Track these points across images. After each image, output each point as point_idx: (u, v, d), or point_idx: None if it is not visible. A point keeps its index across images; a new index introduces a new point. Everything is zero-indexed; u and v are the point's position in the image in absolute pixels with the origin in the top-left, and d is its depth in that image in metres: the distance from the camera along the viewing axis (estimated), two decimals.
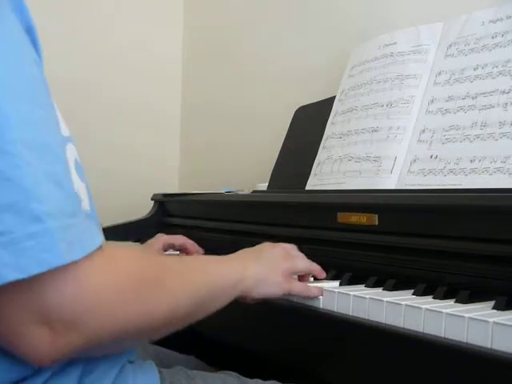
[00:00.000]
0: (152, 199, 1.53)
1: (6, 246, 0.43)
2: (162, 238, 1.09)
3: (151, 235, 1.16)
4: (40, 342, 0.46)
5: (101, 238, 0.50)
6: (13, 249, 0.43)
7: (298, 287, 0.77)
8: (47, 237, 0.44)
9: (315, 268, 0.82)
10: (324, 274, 0.83)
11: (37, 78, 0.51)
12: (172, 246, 1.11)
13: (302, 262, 0.80)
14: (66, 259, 0.45)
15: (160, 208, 1.50)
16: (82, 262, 0.46)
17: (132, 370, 0.62)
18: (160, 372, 0.65)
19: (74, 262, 0.45)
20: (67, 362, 0.56)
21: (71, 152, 0.58)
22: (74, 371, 0.56)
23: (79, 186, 0.58)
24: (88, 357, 0.55)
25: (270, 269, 0.73)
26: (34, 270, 0.43)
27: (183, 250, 1.11)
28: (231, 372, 0.75)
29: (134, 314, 0.51)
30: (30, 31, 0.53)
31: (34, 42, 0.54)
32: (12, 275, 0.43)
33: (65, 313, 0.46)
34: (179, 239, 1.11)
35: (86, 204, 0.59)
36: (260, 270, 0.72)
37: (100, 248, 0.49)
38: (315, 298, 0.78)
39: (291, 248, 0.81)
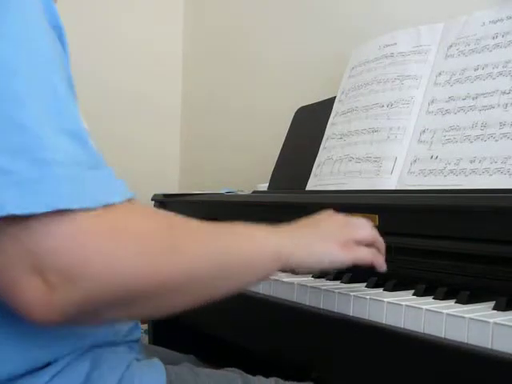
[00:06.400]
0: (152, 199, 1.53)
1: (14, 185, 0.43)
2: None
3: None
4: (33, 292, 0.44)
5: (123, 195, 0.49)
6: (20, 188, 0.43)
7: (362, 253, 0.67)
8: (53, 181, 0.44)
9: (379, 239, 0.72)
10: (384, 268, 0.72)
11: (57, 62, 0.52)
12: None
13: (364, 230, 0.70)
14: (67, 204, 0.44)
15: (160, 208, 1.50)
16: (87, 211, 0.45)
17: (139, 368, 0.63)
18: (166, 369, 0.66)
19: (78, 210, 0.44)
20: (75, 358, 0.57)
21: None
22: (82, 366, 0.58)
23: None
24: (90, 325, 0.52)
25: (323, 237, 0.65)
26: (34, 209, 0.43)
27: None
28: (234, 369, 0.75)
29: (137, 271, 0.46)
30: (56, 29, 0.54)
31: (60, 39, 0.55)
32: (12, 209, 0.43)
33: (59, 260, 0.43)
34: None
35: None
36: (310, 241, 0.64)
37: (117, 203, 0.47)
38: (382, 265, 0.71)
39: (352, 218, 0.72)
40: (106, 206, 0.46)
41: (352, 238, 0.68)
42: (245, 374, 0.74)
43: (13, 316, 0.48)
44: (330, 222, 0.69)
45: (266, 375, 0.75)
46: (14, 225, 0.43)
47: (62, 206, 0.43)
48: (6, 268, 0.44)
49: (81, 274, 0.44)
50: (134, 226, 0.48)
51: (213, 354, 1.01)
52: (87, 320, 0.49)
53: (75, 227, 0.44)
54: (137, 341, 0.70)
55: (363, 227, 0.71)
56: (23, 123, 0.45)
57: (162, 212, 0.52)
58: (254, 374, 0.75)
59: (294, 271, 0.64)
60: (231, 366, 0.76)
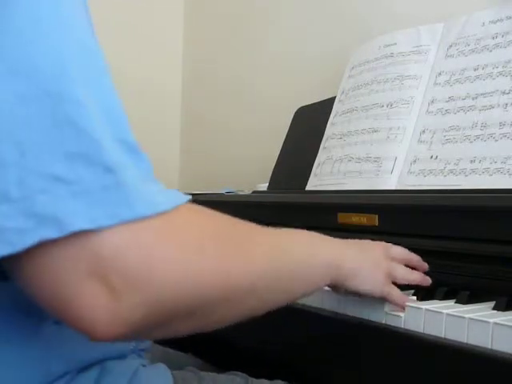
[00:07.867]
0: None
1: (76, 196, 0.38)
2: None
3: None
4: (96, 301, 0.39)
5: (182, 198, 0.45)
6: (85, 199, 0.39)
7: (396, 295, 0.67)
8: (121, 189, 0.40)
9: (414, 278, 0.71)
10: (429, 281, 0.72)
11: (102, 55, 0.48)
12: None
13: (405, 273, 0.70)
14: (139, 213, 0.40)
15: None
16: (151, 216, 0.41)
17: (145, 374, 0.62)
18: (172, 375, 0.66)
19: (145, 217, 0.40)
20: (85, 365, 0.57)
21: None
22: (90, 374, 0.57)
23: None
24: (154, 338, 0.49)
25: (373, 264, 0.65)
26: (105, 222, 0.38)
27: None
28: (238, 372, 0.75)
29: (203, 273, 0.43)
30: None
31: None
32: (81, 224, 0.38)
33: (123, 263, 0.39)
34: None
35: None
36: (362, 262, 0.64)
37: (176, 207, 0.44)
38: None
39: (389, 246, 0.72)
40: (169, 211, 0.43)
41: (393, 274, 0.68)
42: (250, 379, 0.74)
43: (31, 335, 0.48)
44: (375, 249, 0.68)
45: (272, 376, 0.75)
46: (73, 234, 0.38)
47: (132, 216, 0.40)
48: (61, 280, 0.39)
49: (146, 278, 0.40)
50: (199, 227, 0.46)
51: (210, 352, 1.01)
52: (151, 332, 0.46)
53: (141, 232, 0.40)
54: (145, 349, 0.70)
55: (404, 270, 0.70)
56: (84, 127, 0.40)
57: (220, 213, 0.51)
58: (258, 375, 0.75)
59: (336, 287, 0.63)
60: (231, 365, 0.76)
